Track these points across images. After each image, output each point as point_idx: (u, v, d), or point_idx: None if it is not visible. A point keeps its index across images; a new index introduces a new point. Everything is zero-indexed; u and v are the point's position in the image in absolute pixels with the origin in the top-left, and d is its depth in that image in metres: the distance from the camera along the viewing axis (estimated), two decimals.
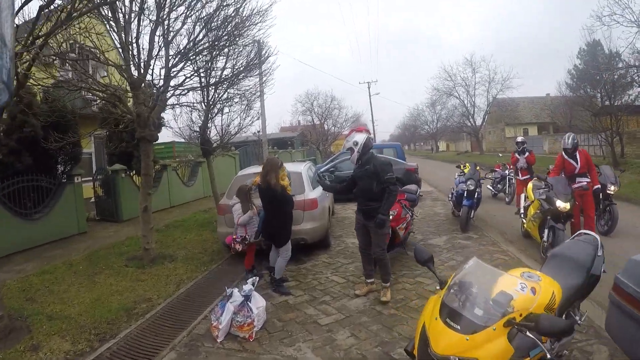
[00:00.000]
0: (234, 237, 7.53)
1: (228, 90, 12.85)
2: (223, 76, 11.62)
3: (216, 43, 9.34)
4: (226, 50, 10.68)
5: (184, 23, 8.75)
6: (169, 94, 9.13)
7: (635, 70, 23.39)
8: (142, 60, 8.29)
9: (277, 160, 7.12)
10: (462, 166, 15.19)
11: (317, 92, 49.55)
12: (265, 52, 13.32)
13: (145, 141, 8.72)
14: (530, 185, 9.79)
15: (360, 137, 6.34)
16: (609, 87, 24.52)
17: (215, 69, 11.20)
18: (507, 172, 15.30)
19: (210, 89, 12.00)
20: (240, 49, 11.52)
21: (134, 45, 8.21)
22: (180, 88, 8.98)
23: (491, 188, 16.51)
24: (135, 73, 8.36)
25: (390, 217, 7.44)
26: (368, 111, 74.92)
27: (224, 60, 11.48)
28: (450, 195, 13.09)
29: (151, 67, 8.38)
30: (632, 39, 20.85)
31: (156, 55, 8.45)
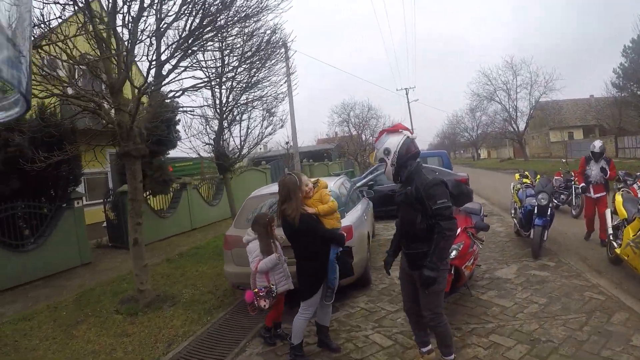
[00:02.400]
0: (256, 289, 5.34)
1: (246, 93, 11.02)
2: (237, 73, 9.78)
3: (220, 31, 7.45)
4: (235, 40, 8.74)
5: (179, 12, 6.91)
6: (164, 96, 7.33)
7: None
8: (123, 56, 6.49)
9: (293, 179, 4.82)
10: (522, 175, 13.00)
11: (354, 102, 48.73)
12: (282, 41, 11.42)
13: (130, 158, 6.95)
14: (619, 197, 7.66)
15: (394, 142, 4.17)
16: None
17: (227, 65, 9.26)
18: (571, 179, 12.89)
19: (223, 90, 10.18)
20: (253, 40, 9.49)
21: (113, 37, 6.46)
22: (174, 89, 7.14)
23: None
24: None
25: (453, 255, 5.45)
26: (406, 120, 72.50)
27: (238, 56, 9.48)
28: (513, 211, 10.91)
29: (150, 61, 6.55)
30: None
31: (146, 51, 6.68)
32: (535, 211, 8.53)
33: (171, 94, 7.55)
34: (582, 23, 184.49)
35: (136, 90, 6.60)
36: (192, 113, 10.06)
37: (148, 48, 6.58)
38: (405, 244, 4.35)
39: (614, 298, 6.04)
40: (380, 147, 4.22)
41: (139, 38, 6.62)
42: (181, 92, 7.36)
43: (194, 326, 6.51)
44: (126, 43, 6.68)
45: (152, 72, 6.90)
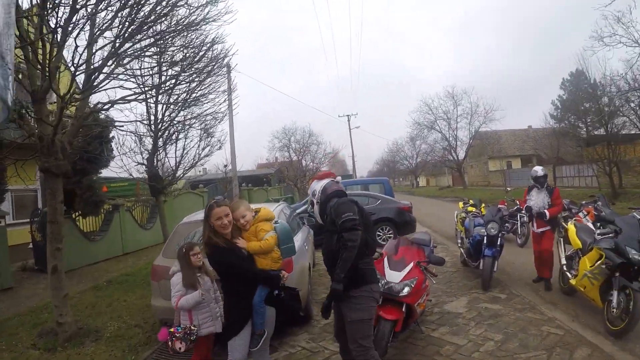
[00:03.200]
0: (172, 329, 4.59)
1: (183, 110, 10.42)
2: (175, 86, 9.19)
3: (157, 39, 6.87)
4: (174, 50, 8.16)
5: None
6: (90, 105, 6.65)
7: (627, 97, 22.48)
8: (47, 61, 5.82)
9: (209, 205, 3.93)
10: (466, 203, 12.88)
11: (295, 127, 47.88)
12: (223, 54, 10.68)
13: (51, 175, 6.21)
14: (571, 226, 7.45)
15: (320, 184, 4.46)
16: (602, 115, 23.54)
17: (164, 76, 8.64)
18: (516, 207, 12.81)
19: (159, 106, 9.54)
20: (192, 50, 8.90)
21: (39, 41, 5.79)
22: (103, 101, 6.49)
23: None
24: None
25: (405, 292, 5.10)
26: (347, 147, 72.90)
27: (176, 67, 8.87)
28: (459, 241, 10.67)
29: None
30: (636, 59, 19.77)
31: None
32: (485, 241, 8.25)
33: (99, 106, 6.84)
34: (520, 58, 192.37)
35: (59, 100, 5.91)
36: (123, 129, 9.35)
37: (74, 53, 5.95)
38: (330, 273, 4.25)
39: (572, 332, 5.78)
40: (310, 192, 4.52)
41: (68, 42, 6.01)
42: (110, 104, 6.72)
43: None
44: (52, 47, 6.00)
45: (80, 80, 6.26)
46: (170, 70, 8.32)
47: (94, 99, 7.11)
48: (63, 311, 6.61)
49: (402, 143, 76.72)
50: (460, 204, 13.42)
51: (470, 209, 11.94)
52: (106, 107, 6.85)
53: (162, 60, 7.70)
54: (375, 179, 21.02)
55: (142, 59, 7.13)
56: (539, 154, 47.36)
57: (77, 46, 6.00)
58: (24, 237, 13.89)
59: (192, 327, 4.54)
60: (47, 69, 5.80)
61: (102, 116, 11.24)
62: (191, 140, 11.87)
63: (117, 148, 12.07)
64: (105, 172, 15.11)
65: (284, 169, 46.84)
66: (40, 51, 5.76)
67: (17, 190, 14.96)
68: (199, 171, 36.68)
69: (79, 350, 6.38)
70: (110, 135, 12.75)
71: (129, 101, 6.91)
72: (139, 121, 9.66)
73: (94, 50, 6.36)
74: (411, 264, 5.52)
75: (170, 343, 4.48)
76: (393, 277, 5.36)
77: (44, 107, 6.04)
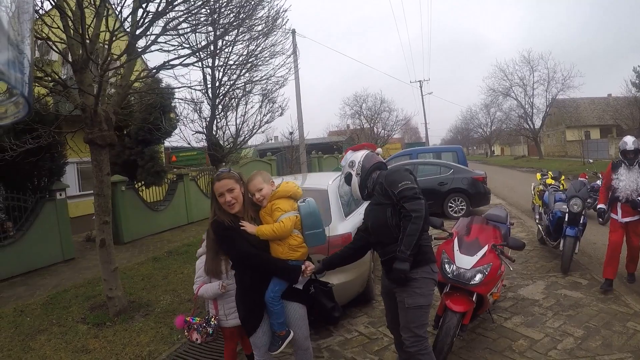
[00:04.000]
0: (188, 318, 4.01)
1: (243, 74, 9.98)
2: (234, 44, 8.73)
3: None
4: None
5: None
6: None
7: None
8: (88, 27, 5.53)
9: (213, 178, 3.44)
10: (544, 174, 11.86)
11: (366, 95, 46.77)
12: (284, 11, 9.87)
13: (95, 146, 5.99)
14: None
15: (357, 155, 3.92)
16: None
17: (221, 35, 8.09)
18: (598, 182, 11.67)
19: (215, 72, 9.16)
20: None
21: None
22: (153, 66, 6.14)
23: None
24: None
25: (477, 280, 4.47)
26: (419, 115, 70.78)
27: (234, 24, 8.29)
28: (537, 217, 9.77)
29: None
30: None
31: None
32: (566, 219, 7.35)
33: (144, 73, 6.55)
34: (603, 22, 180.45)
35: (97, 68, 5.62)
36: (179, 97, 9.09)
37: (117, 18, 5.62)
38: (380, 252, 3.73)
39: None
40: (345, 163, 3.96)
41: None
42: (157, 69, 6.39)
43: (162, 345, 5.56)
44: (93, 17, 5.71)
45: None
46: (223, 31, 7.76)
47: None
48: (112, 285, 6.49)
49: (476, 110, 73.88)
50: (538, 176, 12.37)
51: (549, 181, 10.92)
52: (155, 71, 6.53)
53: (215, 19, 7.19)
54: (447, 147, 19.99)
55: (194, 21, 6.63)
56: (619, 125, 44.38)
57: (120, 11, 5.67)
58: (89, 208, 14.16)
59: (212, 319, 3.94)
60: (87, 37, 5.51)
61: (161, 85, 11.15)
62: (252, 107, 11.39)
63: (177, 117, 11.90)
64: (172, 143, 15.17)
65: (355, 136, 45.33)
66: (80, 20, 5.46)
67: (82, 162, 15.27)
68: (270, 139, 36.62)
69: (127, 326, 6.25)
70: (172, 104, 12.64)
71: (176, 66, 6.46)
72: (193, 87, 9.26)
73: (139, 15, 5.98)
74: (485, 248, 4.74)
75: (186, 332, 3.99)
76: (464, 262, 4.61)
77: (86, 76, 5.78)
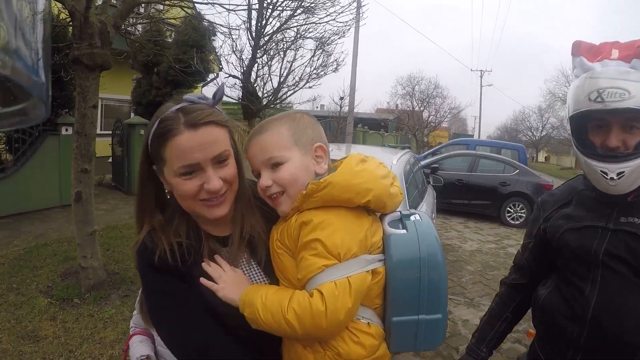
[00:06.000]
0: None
1: (294, 17, 8.27)
2: None
3: None
4: None
5: None
6: None
7: None
8: None
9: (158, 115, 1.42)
10: None
11: (421, 77, 45.24)
12: None
13: (82, 67, 4.38)
14: None
15: None
16: None
17: None
18: None
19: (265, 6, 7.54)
20: None
21: None
22: None
23: None
24: None
25: None
26: (470, 107, 67.96)
27: None
28: None
29: None
30: None
31: None
32: None
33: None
34: None
35: None
36: (220, 35, 7.41)
37: None
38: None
39: None
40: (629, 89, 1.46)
41: None
42: None
43: None
44: None
45: None
46: None
47: None
48: (87, 252, 5.01)
49: (529, 112, 70.82)
50: None
51: None
52: None
53: None
54: (510, 144, 17.73)
55: None
56: None
57: None
58: (107, 149, 12.79)
59: None
60: None
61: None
62: (302, 56, 9.58)
63: (216, 58, 10.23)
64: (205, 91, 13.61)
65: (403, 117, 43.54)
66: None
67: (108, 99, 13.85)
68: (316, 107, 34.98)
69: (96, 309, 4.82)
70: (211, 43, 11.02)
71: None
72: (235, 28, 7.62)
73: None
74: None
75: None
76: None
77: None
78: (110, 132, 12.63)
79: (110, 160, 12.65)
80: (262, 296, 1.20)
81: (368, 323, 1.27)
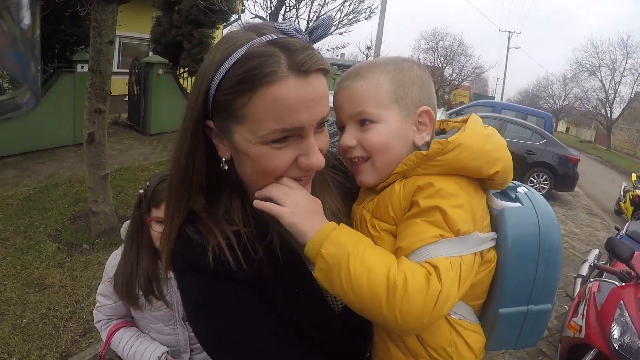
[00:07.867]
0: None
1: None
2: None
3: None
4: None
5: None
6: None
7: None
8: None
9: None
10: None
11: (445, 33, 44.48)
12: None
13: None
14: None
15: None
16: None
17: None
18: None
19: None
20: None
21: None
22: None
23: None
24: None
25: None
26: (494, 68, 66.23)
27: None
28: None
29: None
30: None
31: None
32: None
33: None
34: None
35: None
36: None
37: None
38: None
39: None
40: None
41: None
42: None
43: None
44: None
45: None
46: None
47: None
48: (99, 197, 4.79)
49: (553, 80, 68.51)
50: (634, 177, 10.24)
51: None
52: None
53: None
54: (537, 111, 16.76)
55: None
56: None
57: None
58: (124, 87, 12.47)
59: None
60: None
61: None
62: (333, 0, 9.10)
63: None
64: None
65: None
66: None
67: (126, 36, 13.41)
68: (336, 55, 34.29)
69: (106, 256, 4.52)
70: None
71: None
72: None
73: None
74: None
75: None
76: None
77: None
78: (128, 70, 12.25)
79: (126, 99, 12.34)
80: (361, 242, 0.90)
81: (464, 320, 1.04)
